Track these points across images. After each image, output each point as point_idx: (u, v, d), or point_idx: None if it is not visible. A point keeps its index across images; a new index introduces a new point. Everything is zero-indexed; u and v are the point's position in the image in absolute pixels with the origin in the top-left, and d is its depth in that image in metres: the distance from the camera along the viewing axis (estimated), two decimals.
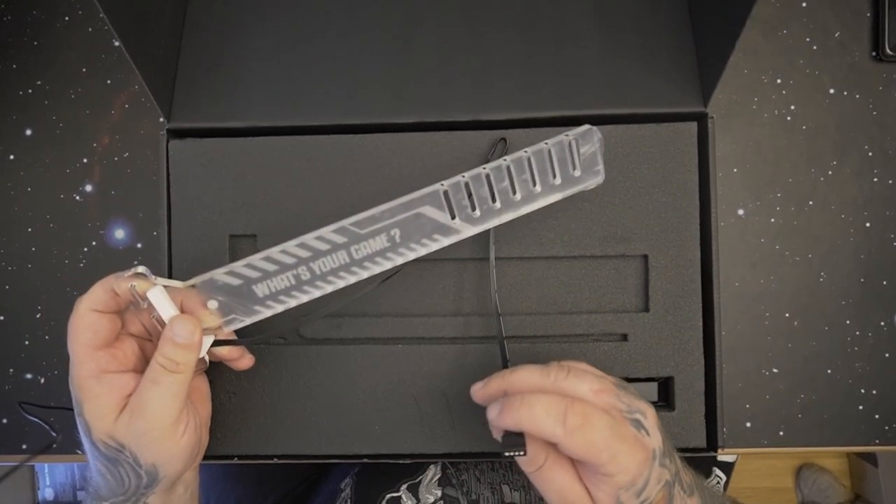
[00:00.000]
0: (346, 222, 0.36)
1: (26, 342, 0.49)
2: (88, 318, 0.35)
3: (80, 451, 0.48)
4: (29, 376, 0.49)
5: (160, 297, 0.36)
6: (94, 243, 0.50)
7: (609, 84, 0.43)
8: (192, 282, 0.37)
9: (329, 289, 0.37)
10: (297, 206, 0.43)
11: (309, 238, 0.36)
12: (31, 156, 0.51)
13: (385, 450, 0.43)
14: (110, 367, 0.36)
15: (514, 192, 0.37)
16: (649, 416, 0.34)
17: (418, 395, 0.42)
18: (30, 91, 0.51)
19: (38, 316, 0.49)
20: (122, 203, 0.50)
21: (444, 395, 0.42)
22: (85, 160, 0.50)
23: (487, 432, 0.42)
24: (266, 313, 0.38)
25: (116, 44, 0.51)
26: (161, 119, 0.44)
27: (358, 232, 0.36)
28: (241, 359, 0.40)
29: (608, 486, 0.32)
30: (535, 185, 0.37)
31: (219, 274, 0.37)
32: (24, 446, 0.49)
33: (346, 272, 0.37)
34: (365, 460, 0.43)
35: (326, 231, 0.36)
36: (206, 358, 0.38)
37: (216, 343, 0.38)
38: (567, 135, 0.37)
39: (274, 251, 0.36)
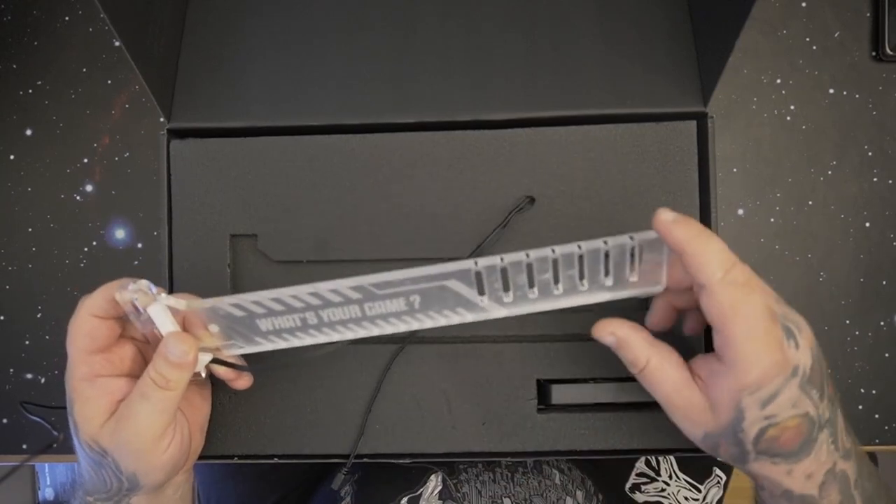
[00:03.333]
0: (365, 281, 0.34)
1: (27, 342, 0.49)
2: (88, 324, 0.35)
3: None
4: (29, 376, 0.49)
5: (160, 311, 0.35)
6: (94, 243, 0.50)
7: (609, 84, 0.43)
8: (195, 305, 0.36)
9: (335, 337, 0.36)
10: (297, 206, 0.43)
11: (323, 289, 0.34)
12: (32, 156, 0.51)
13: (385, 450, 0.43)
14: (104, 372, 0.35)
15: (556, 284, 0.34)
16: (804, 333, 0.31)
17: (418, 395, 0.42)
18: (30, 91, 0.51)
19: (38, 316, 0.49)
20: (123, 203, 0.50)
21: (444, 395, 0.42)
22: (85, 160, 0.50)
23: (487, 432, 0.42)
24: (267, 347, 0.37)
25: (116, 44, 0.51)
26: (161, 119, 0.44)
27: (375, 292, 0.34)
28: (238, 379, 0.39)
29: (731, 383, 0.30)
30: (581, 280, 0.34)
31: (224, 304, 0.35)
32: (24, 446, 0.49)
33: (355, 325, 0.36)
34: (365, 460, 0.43)
35: (343, 285, 0.34)
36: (203, 373, 0.38)
37: (213, 361, 0.37)
38: (632, 238, 0.33)
39: (285, 294, 0.35)
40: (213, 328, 0.36)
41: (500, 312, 0.35)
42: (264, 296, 0.35)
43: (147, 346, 0.39)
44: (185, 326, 0.36)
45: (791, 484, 0.32)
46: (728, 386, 0.30)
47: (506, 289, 0.34)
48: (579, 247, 0.33)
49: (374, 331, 0.36)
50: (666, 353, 0.32)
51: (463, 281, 0.34)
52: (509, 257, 0.33)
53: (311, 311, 0.35)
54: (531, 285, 0.34)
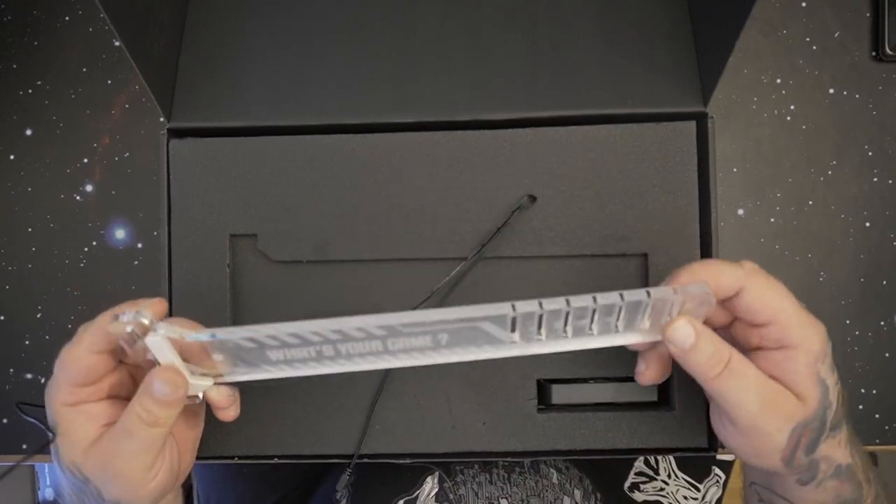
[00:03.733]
0: (394, 320, 0.31)
1: (26, 342, 0.49)
2: (86, 361, 0.33)
3: None
4: (29, 376, 0.49)
5: (158, 343, 0.32)
6: (94, 243, 0.50)
7: (609, 84, 0.43)
8: (200, 338, 0.33)
9: (350, 368, 0.34)
10: (297, 206, 0.43)
11: (348, 326, 0.31)
12: (32, 156, 0.51)
13: (385, 450, 0.43)
14: (90, 399, 0.34)
15: (591, 327, 0.33)
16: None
17: (418, 395, 0.42)
18: (30, 91, 0.51)
19: (38, 316, 0.49)
20: (123, 203, 0.50)
21: (444, 394, 0.42)
22: (85, 160, 0.50)
23: (488, 432, 0.42)
24: (274, 374, 0.34)
25: (117, 44, 0.51)
26: (161, 119, 0.44)
27: (401, 330, 0.32)
28: (228, 409, 0.37)
29: (806, 359, 0.30)
30: (617, 322, 0.33)
31: (236, 337, 0.32)
32: (24, 446, 0.49)
33: (375, 357, 0.33)
34: (366, 460, 0.43)
35: (370, 323, 0.31)
36: (200, 397, 0.36)
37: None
38: (675, 291, 0.32)
39: (305, 330, 0.31)
40: (218, 357, 0.34)
41: (527, 350, 0.34)
42: (282, 329, 0.31)
43: (138, 369, 0.37)
44: (185, 354, 0.34)
45: (842, 456, 0.33)
46: (804, 364, 0.30)
47: (538, 328, 0.33)
48: (622, 297, 0.32)
49: (395, 363, 0.33)
50: (741, 354, 0.31)
51: (498, 325, 0.32)
52: (549, 305, 0.32)
53: (329, 345, 0.32)
54: (566, 325, 0.33)
